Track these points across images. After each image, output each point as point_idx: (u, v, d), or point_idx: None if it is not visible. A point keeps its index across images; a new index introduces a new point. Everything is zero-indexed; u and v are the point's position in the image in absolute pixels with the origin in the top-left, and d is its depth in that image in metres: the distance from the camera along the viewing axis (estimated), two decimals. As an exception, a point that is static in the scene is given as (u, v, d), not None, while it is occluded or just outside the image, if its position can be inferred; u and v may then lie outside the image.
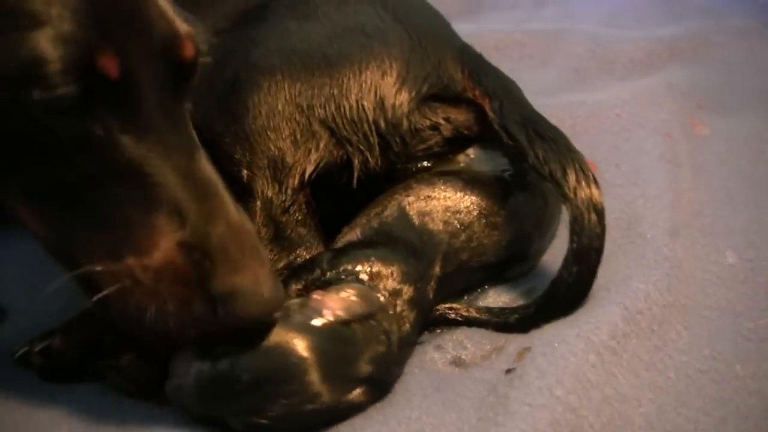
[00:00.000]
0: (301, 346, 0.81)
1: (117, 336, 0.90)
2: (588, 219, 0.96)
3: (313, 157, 1.03)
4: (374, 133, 1.04)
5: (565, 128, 1.08)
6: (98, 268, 0.74)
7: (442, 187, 1.04)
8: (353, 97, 1.04)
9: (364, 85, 1.05)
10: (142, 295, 0.74)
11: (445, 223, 1.01)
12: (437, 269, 0.98)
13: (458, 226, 1.01)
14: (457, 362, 0.95)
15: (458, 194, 1.03)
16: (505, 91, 1.10)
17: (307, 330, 0.83)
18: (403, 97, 1.06)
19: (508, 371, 0.90)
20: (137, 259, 0.74)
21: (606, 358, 0.89)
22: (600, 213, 0.97)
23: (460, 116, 1.11)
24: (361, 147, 1.04)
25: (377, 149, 1.05)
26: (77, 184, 0.73)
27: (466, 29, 1.31)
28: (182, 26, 0.77)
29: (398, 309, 0.91)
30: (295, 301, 0.88)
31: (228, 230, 0.76)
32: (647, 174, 1.27)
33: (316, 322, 0.84)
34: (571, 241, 0.97)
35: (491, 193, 1.05)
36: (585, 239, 0.96)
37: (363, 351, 0.86)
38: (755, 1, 2.08)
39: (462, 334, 1.00)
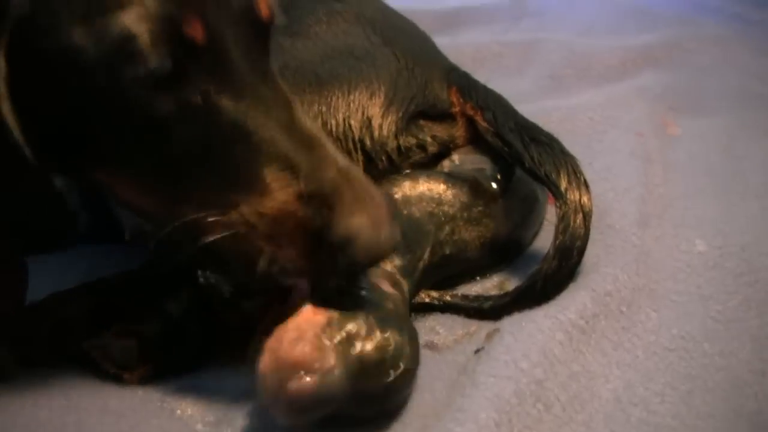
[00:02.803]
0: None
1: (88, 317, 0.93)
2: (574, 219, 1.01)
3: None
4: (359, 151, 1.08)
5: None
6: (209, 219, 0.76)
7: (425, 181, 1.06)
8: (341, 115, 1.07)
9: (352, 104, 1.08)
10: (258, 241, 0.76)
11: (430, 214, 1.03)
12: (425, 261, 1.00)
13: (442, 218, 1.03)
14: (430, 346, 0.97)
15: (441, 187, 1.06)
16: (497, 103, 1.15)
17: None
18: (390, 118, 1.09)
19: (477, 351, 0.92)
20: (253, 208, 0.76)
21: (574, 337, 0.91)
22: (587, 214, 1.01)
23: (447, 132, 1.15)
24: None
25: (362, 167, 1.07)
26: (182, 152, 0.75)
27: (443, 42, 1.35)
28: None
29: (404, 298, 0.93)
30: None
31: (339, 176, 0.77)
32: (618, 170, 1.31)
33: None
34: (556, 237, 1.00)
35: (473, 190, 1.07)
36: (569, 237, 1.00)
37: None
38: (726, 11, 2.14)
39: (434, 320, 1.02)
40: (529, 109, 1.42)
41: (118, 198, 0.83)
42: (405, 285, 0.95)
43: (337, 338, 0.77)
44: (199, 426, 0.86)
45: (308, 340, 0.76)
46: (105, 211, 1.06)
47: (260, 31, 0.80)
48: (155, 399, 0.90)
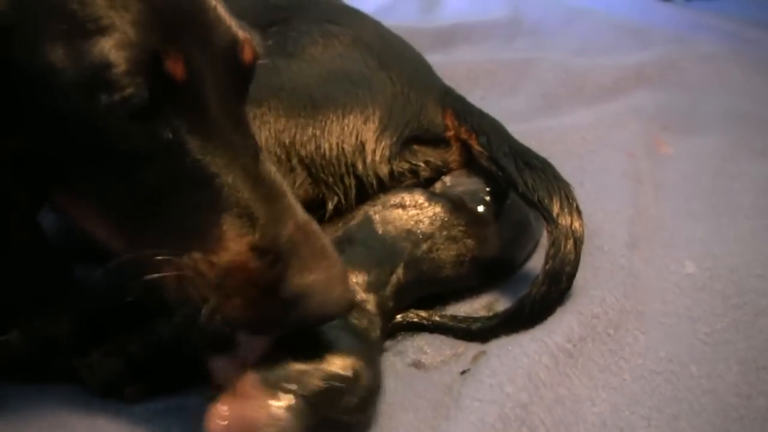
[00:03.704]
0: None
1: (76, 336, 0.94)
2: (565, 244, 1.01)
3: None
4: (351, 175, 1.08)
5: (531, 150, 1.13)
6: (159, 257, 0.76)
7: (406, 197, 1.07)
8: (334, 139, 1.07)
9: (346, 128, 1.08)
10: (205, 288, 0.75)
11: (408, 231, 1.03)
12: (399, 277, 1.00)
13: (420, 235, 1.04)
14: (417, 365, 0.97)
15: (421, 204, 1.06)
16: (491, 127, 1.16)
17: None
18: (384, 143, 1.10)
19: (463, 372, 0.93)
20: (204, 255, 0.75)
21: (560, 360, 0.92)
22: (578, 240, 1.02)
23: (440, 158, 1.15)
24: (336, 188, 1.07)
25: (353, 191, 1.08)
26: (145, 185, 0.75)
27: (437, 60, 1.36)
28: (240, 32, 0.80)
29: (369, 313, 0.93)
30: None
31: (297, 231, 0.77)
32: (609, 191, 1.31)
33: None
34: (546, 262, 1.01)
35: (455, 209, 1.07)
36: (558, 263, 1.00)
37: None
38: (721, 29, 2.15)
39: (422, 340, 1.02)
40: (522, 128, 1.43)
41: (75, 222, 0.83)
42: (372, 299, 0.95)
43: (283, 388, 0.77)
44: (186, 449, 0.86)
45: (253, 402, 0.76)
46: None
47: (241, 75, 0.80)
48: (143, 419, 0.90)
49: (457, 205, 1.08)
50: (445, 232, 1.05)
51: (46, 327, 0.96)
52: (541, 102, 1.76)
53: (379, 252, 1.00)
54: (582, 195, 1.26)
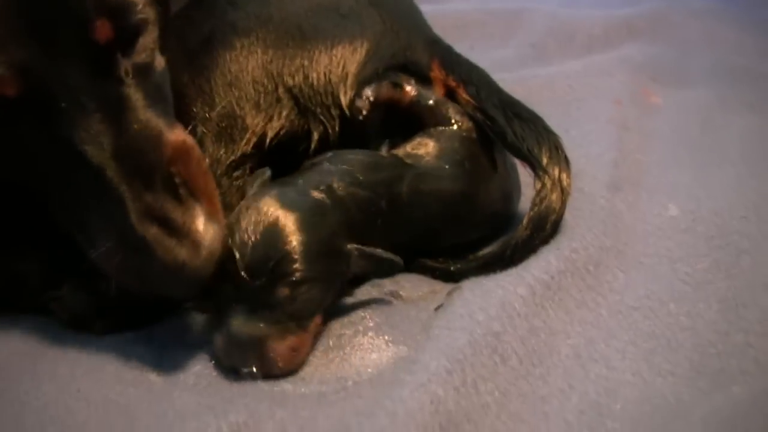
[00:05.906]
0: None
1: (47, 274, 0.94)
2: (551, 193, 1.01)
3: (276, 124, 1.04)
4: (337, 107, 1.06)
5: (518, 99, 1.11)
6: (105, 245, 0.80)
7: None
8: (322, 69, 1.06)
9: (334, 59, 1.07)
10: (133, 259, 0.80)
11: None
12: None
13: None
14: (395, 295, 0.97)
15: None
16: (480, 78, 1.13)
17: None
18: (366, 74, 1.08)
19: (438, 308, 0.92)
20: (118, 232, 0.78)
21: (537, 291, 0.91)
22: (564, 190, 1.01)
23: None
24: (323, 119, 1.06)
25: (338, 123, 1.07)
26: (48, 177, 0.80)
27: (427, 9, 1.33)
28: (92, 12, 0.76)
29: None
30: None
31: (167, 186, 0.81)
32: (594, 136, 1.30)
33: None
34: (531, 208, 1.00)
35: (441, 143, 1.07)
36: (544, 209, 1.00)
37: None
38: (714, -15, 2.11)
39: (400, 276, 1.00)
40: (510, 77, 1.42)
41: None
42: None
43: None
44: (153, 376, 0.86)
45: None
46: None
47: (100, 54, 0.78)
48: (112, 348, 0.90)
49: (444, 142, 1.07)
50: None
51: (15, 263, 0.95)
52: (530, 51, 1.74)
53: None
54: (567, 141, 1.23)
